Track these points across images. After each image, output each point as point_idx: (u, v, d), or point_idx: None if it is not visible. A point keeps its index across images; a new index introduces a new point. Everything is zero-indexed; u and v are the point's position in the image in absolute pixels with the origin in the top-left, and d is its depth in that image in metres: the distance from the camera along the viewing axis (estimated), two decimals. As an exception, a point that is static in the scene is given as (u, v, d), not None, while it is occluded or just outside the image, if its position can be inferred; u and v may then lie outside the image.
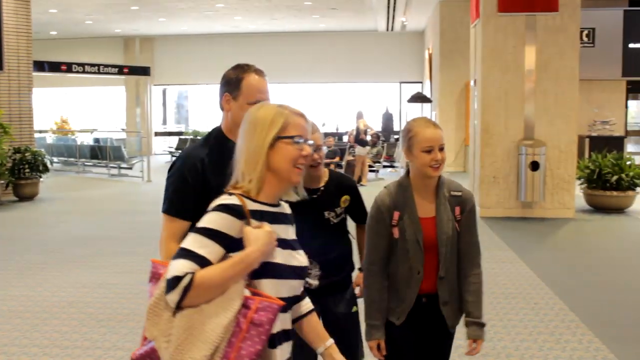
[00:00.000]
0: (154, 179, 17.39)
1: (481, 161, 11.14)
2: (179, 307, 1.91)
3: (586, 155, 14.64)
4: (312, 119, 2.37)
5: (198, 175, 2.66)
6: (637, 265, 7.93)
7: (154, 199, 14.01)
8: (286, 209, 2.21)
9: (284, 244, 2.08)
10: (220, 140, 2.77)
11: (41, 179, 14.06)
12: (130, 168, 19.31)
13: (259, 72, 2.77)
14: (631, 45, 17.51)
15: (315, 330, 2.26)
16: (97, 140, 23.25)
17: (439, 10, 18.99)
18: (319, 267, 3.23)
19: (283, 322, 2.07)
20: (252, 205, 2.04)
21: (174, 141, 25.91)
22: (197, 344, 1.89)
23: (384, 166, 18.79)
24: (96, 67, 19.00)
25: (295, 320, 2.21)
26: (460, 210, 2.89)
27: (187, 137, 25.15)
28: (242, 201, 2.02)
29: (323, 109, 26.08)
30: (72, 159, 21.05)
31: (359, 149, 16.19)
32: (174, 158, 23.68)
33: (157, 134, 27.96)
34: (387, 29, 24.24)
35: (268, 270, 2.02)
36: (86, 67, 18.75)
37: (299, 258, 2.14)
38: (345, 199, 3.33)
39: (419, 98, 20.78)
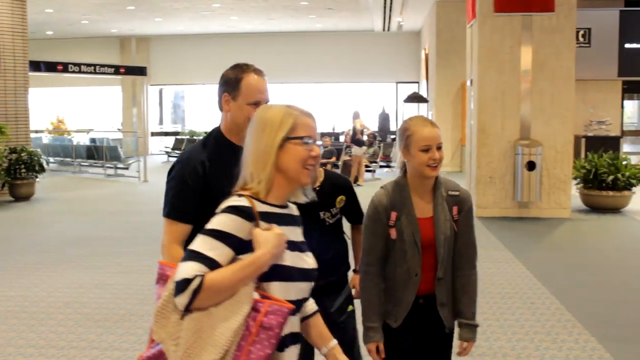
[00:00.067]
0: (151, 179, 17.38)
1: (477, 161, 11.15)
2: (187, 310, 1.89)
3: (582, 155, 14.66)
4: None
5: (199, 178, 2.64)
6: (633, 265, 7.94)
7: (150, 199, 14.06)
8: (294, 210, 2.19)
9: (292, 246, 2.06)
10: (220, 141, 2.76)
11: (37, 179, 14.04)
12: (127, 168, 19.29)
13: (258, 72, 2.74)
14: (627, 46, 17.54)
15: (319, 331, 2.24)
16: (93, 140, 23.23)
17: (435, 10, 19.00)
18: None
19: (291, 325, 2.05)
20: (261, 207, 2.02)
21: (170, 141, 25.90)
22: (206, 348, 1.87)
23: (381, 166, 18.80)
24: (92, 67, 18.95)
25: (300, 321, 2.19)
26: (458, 210, 2.86)
27: (183, 137, 25.16)
28: (251, 203, 2.00)
29: (320, 109, 26.09)
30: (68, 159, 21.02)
31: (355, 149, 16.19)
32: (170, 158, 23.88)
33: (153, 134, 27.93)
34: (384, 29, 24.25)
35: (277, 272, 2.00)
36: (82, 67, 18.70)
37: (308, 260, 2.12)
38: (340, 199, 3.33)
39: (415, 98, 20.82)
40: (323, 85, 27.12)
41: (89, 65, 18.92)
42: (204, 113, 28.03)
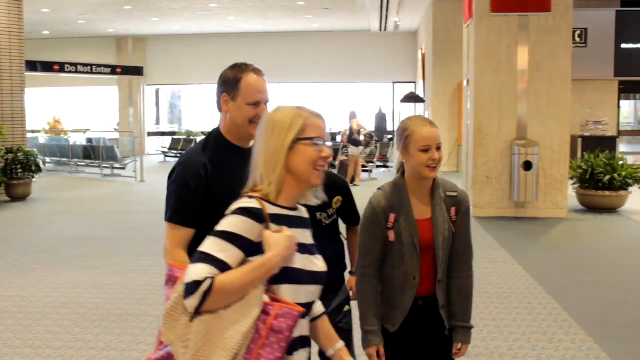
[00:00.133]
0: (147, 179, 17.37)
1: (474, 161, 11.16)
2: (197, 312, 1.87)
3: (579, 155, 14.70)
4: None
5: (201, 181, 2.60)
6: (630, 264, 7.95)
7: (147, 199, 14.06)
8: (304, 213, 2.18)
9: (303, 248, 2.05)
10: (220, 142, 2.72)
11: (34, 179, 14.02)
12: (123, 168, 19.27)
13: (258, 72, 2.70)
14: (623, 46, 17.58)
15: (327, 332, 2.23)
16: (90, 140, 23.20)
17: (432, 11, 19.02)
18: None
19: (301, 328, 2.03)
20: (271, 209, 2.01)
21: (167, 141, 25.88)
22: (215, 351, 1.86)
23: (378, 166, 18.81)
24: (89, 67, 18.95)
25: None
26: (456, 211, 2.82)
27: (180, 137, 25.13)
28: (261, 204, 1.99)
29: (316, 109, 26.04)
30: (64, 159, 21.00)
31: (352, 149, 16.20)
32: (167, 158, 23.86)
33: (150, 134, 27.90)
34: (381, 29, 24.27)
35: (287, 275, 1.99)
36: (79, 67, 18.70)
37: (318, 263, 2.11)
38: (337, 199, 3.32)
39: (412, 98, 20.82)
40: (320, 85, 27.12)
41: (85, 65, 18.92)
42: (200, 113, 28.02)
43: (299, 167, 2.04)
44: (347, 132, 16.89)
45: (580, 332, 5.37)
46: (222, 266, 1.89)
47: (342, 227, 3.49)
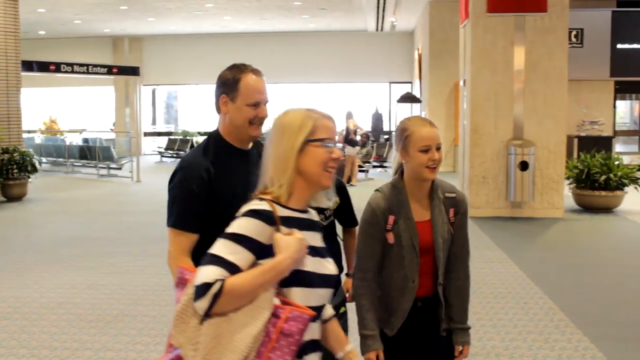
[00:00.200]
0: (144, 180, 17.35)
1: (470, 161, 11.17)
2: (207, 314, 1.86)
3: (575, 155, 14.73)
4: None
5: (204, 185, 2.56)
6: (626, 264, 7.97)
7: (143, 200, 14.06)
8: (314, 215, 2.17)
9: (313, 251, 2.04)
10: (220, 144, 2.68)
11: (30, 180, 14.00)
12: (120, 168, 19.25)
13: (257, 72, 2.66)
14: (619, 46, 17.63)
15: (336, 335, 2.22)
16: (86, 140, 23.18)
17: (428, 11, 19.03)
18: None
19: (312, 332, 2.01)
20: (282, 212, 2.00)
21: (163, 141, 25.86)
22: (225, 354, 1.85)
23: (374, 166, 18.81)
24: (85, 67, 18.93)
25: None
26: (455, 212, 2.80)
27: (176, 137, 25.12)
28: (272, 207, 1.98)
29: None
30: (61, 159, 20.96)
31: (348, 149, 16.20)
32: (163, 158, 23.83)
33: (146, 134, 27.89)
34: (377, 29, 24.27)
35: (298, 278, 1.97)
36: (75, 67, 18.68)
37: (329, 266, 2.10)
38: (334, 200, 3.32)
39: (408, 98, 20.85)
40: (316, 86, 27.11)
41: (81, 65, 18.90)
42: (197, 113, 28.01)
43: (309, 169, 2.03)
44: (344, 132, 16.88)
45: (576, 332, 5.38)
46: (232, 268, 1.88)
47: (338, 228, 3.49)
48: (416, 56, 23.31)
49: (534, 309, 6.03)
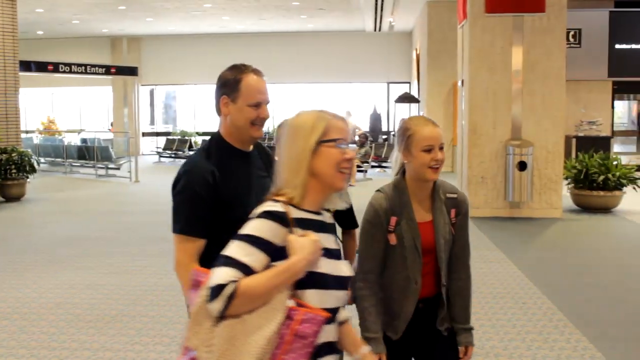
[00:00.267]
0: (142, 180, 17.35)
1: (469, 161, 11.18)
2: (222, 316, 1.85)
3: (573, 155, 14.73)
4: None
5: (210, 189, 2.52)
6: (624, 264, 7.98)
7: (141, 200, 14.05)
8: (328, 218, 2.16)
9: (328, 253, 2.03)
10: (222, 146, 2.64)
11: (28, 180, 13.99)
12: (118, 168, 19.24)
13: (258, 72, 2.63)
14: (617, 46, 17.66)
15: (351, 337, 2.22)
16: (84, 140, 23.14)
17: (426, 11, 19.04)
18: None
19: (327, 334, 2.00)
20: (296, 213, 2.00)
21: (161, 141, 25.85)
22: (239, 356, 1.84)
23: (372, 166, 18.81)
24: (83, 67, 18.90)
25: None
26: (456, 213, 2.78)
27: (175, 137, 25.10)
28: (286, 208, 1.98)
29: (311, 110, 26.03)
30: (59, 160, 20.95)
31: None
32: (162, 158, 23.82)
33: (144, 134, 27.88)
34: (375, 29, 24.28)
35: (313, 280, 1.96)
36: (73, 67, 18.65)
37: (343, 268, 2.09)
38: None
39: (406, 98, 20.87)
40: (314, 86, 27.11)
41: (79, 65, 18.87)
42: (195, 113, 28.00)
43: (323, 170, 2.03)
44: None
45: (575, 332, 5.38)
46: (247, 270, 1.87)
47: (337, 230, 3.48)
48: (414, 56, 23.33)
49: (533, 308, 6.04)
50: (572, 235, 9.88)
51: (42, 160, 21.17)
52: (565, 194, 11.51)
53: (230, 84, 2.59)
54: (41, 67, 18.03)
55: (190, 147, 22.67)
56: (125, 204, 13.78)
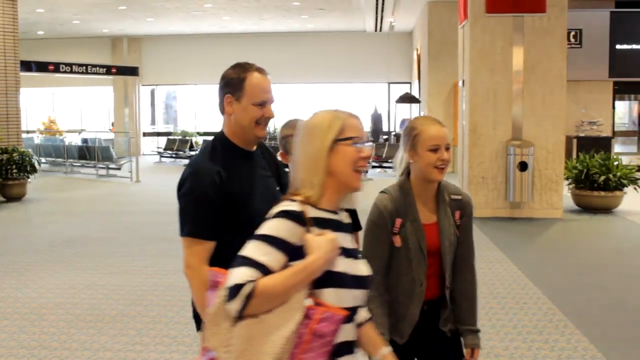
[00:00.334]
0: (143, 180, 17.35)
1: (469, 162, 11.18)
2: (240, 316, 1.85)
3: (574, 155, 14.73)
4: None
5: (218, 189, 2.48)
6: (625, 264, 7.97)
7: (142, 200, 14.05)
8: (345, 217, 2.15)
9: (345, 252, 2.02)
10: (227, 146, 2.61)
11: (29, 180, 14.00)
12: (119, 168, 19.24)
13: (262, 71, 2.60)
14: (618, 46, 17.65)
15: (371, 338, 2.22)
16: (85, 140, 23.15)
17: (427, 11, 19.03)
18: None
19: (346, 333, 1.99)
20: (313, 212, 1.99)
21: (162, 141, 25.85)
22: (258, 356, 1.83)
23: (373, 167, 18.82)
24: (84, 67, 18.90)
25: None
26: (460, 214, 2.77)
27: (175, 137, 25.10)
28: (303, 208, 1.97)
29: (311, 110, 26.01)
30: (60, 160, 20.95)
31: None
32: (163, 159, 23.82)
33: (145, 134, 27.88)
34: (376, 30, 24.28)
35: (330, 279, 1.95)
36: (74, 67, 18.65)
37: (361, 267, 2.09)
38: None
39: (407, 98, 20.87)
40: (315, 86, 27.10)
41: (80, 65, 18.88)
42: (196, 113, 28.00)
43: (339, 169, 2.03)
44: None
45: (575, 332, 5.38)
46: (264, 270, 1.86)
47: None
48: (415, 56, 23.32)
49: (533, 309, 6.03)
50: (572, 236, 9.88)
51: (42, 160, 21.17)
52: (566, 194, 11.51)
53: (234, 83, 2.56)
54: (42, 67, 18.03)
55: (191, 147, 22.68)
56: (125, 204, 13.78)
